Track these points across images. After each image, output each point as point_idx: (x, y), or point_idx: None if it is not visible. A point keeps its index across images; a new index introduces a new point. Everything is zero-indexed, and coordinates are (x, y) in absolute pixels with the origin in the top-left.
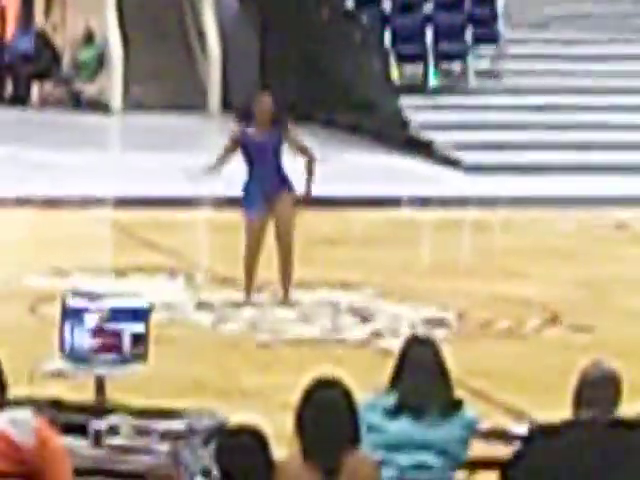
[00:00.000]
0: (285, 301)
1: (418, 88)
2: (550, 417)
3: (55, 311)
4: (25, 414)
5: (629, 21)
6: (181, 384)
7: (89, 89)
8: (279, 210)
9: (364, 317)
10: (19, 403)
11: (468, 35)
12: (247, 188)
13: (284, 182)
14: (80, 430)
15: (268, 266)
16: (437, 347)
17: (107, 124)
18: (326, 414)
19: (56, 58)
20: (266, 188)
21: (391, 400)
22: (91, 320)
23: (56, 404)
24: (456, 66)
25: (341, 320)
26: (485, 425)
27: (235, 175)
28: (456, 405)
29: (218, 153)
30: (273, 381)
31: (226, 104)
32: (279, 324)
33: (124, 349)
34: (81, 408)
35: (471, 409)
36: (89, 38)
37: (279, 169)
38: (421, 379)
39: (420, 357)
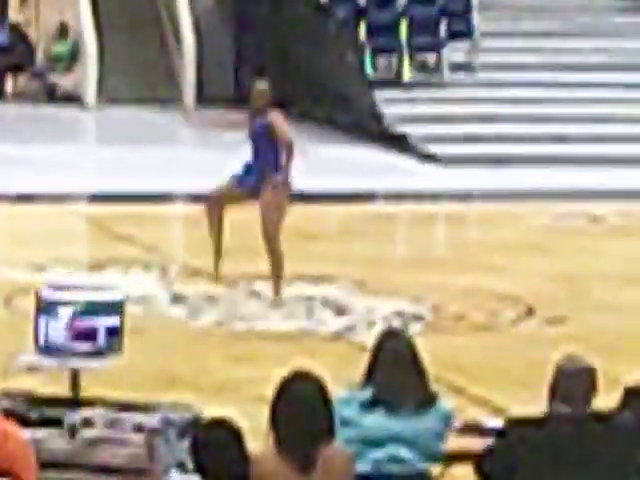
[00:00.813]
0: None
1: (393, 81)
2: (525, 411)
3: (30, 304)
4: None
5: (603, 15)
6: (156, 377)
7: (64, 83)
8: (263, 199)
9: (340, 310)
10: None
11: (442, 28)
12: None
13: (275, 170)
14: (55, 423)
15: (245, 259)
16: (411, 341)
17: (82, 118)
18: (301, 407)
19: (30, 51)
20: (254, 173)
21: (366, 394)
22: (66, 313)
23: (31, 397)
24: (430, 59)
25: (317, 313)
26: (459, 419)
27: (209, 169)
28: (431, 399)
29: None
30: (248, 374)
31: (201, 98)
32: (254, 317)
33: (99, 342)
34: (56, 401)
35: (446, 403)
36: (63, 32)
37: (269, 155)
38: (396, 373)
39: (395, 351)
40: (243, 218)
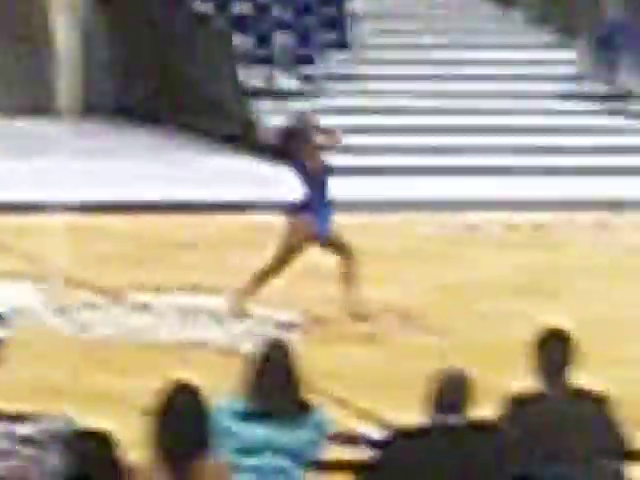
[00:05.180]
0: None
1: (269, 92)
2: (405, 421)
3: None
4: None
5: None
6: (37, 389)
7: None
8: None
9: (219, 321)
10: None
11: (319, 38)
12: None
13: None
14: None
15: (130, 269)
16: (289, 351)
17: None
18: (179, 418)
19: None
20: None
21: (244, 404)
22: None
23: None
24: (308, 69)
25: (196, 324)
26: (338, 428)
27: (88, 179)
28: (307, 408)
29: None
30: (128, 385)
31: (78, 107)
32: (134, 328)
33: None
34: None
35: (323, 412)
36: None
37: None
38: (272, 383)
39: (272, 361)
40: (127, 227)
